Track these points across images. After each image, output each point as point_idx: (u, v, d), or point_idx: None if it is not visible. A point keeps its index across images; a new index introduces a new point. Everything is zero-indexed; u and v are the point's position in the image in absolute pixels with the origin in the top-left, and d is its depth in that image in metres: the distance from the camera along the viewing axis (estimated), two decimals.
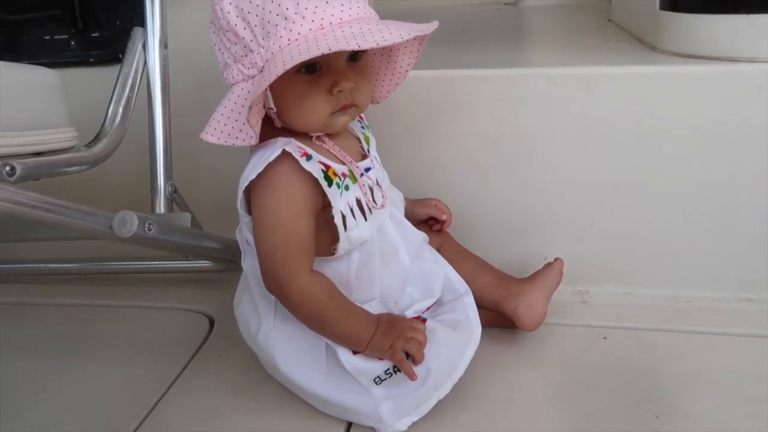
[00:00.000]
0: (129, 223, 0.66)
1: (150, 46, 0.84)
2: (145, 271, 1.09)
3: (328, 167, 0.66)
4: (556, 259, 0.87)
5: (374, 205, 0.70)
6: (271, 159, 0.63)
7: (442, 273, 0.80)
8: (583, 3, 1.78)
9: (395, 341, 0.68)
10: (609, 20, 1.38)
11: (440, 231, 0.89)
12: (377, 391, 0.69)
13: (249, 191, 0.66)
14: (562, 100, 0.89)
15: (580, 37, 1.25)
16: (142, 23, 0.87)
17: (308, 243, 0.66)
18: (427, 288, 0.77)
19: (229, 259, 0.90)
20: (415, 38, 0.70)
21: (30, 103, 0.65)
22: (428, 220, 0.89)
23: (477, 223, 0.96)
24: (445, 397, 0.70)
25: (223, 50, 0.65)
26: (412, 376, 0.67)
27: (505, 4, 2.01)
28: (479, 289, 0.83)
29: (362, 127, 0.78)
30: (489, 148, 0.93)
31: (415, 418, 0.69)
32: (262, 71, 0.61)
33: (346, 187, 0.67)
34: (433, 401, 0.69)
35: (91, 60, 1.04)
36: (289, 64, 0.55)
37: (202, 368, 0.85)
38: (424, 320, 0.74)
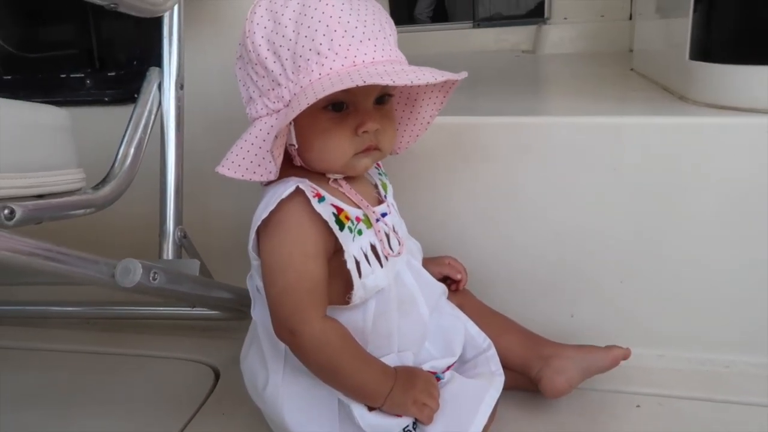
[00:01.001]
0: (132, 272, 0.62)
1: (166, 87, 0.82)
2: (149, 317, 1.05)
3: (340, 210, 0.63)
4: (618, 348, 0.78)
5: (390, 252, 0.66)
6: (284, 196, 0.61)
7: (463, 328, 0.76)
8: (602, 51, 1.77)
9: (416, 395, 0.65)
10: (631, 69, 1.35)
11: (456, 291, 0.84)
12: None
13: (260, 234, 0.63)
14: (589, 150, 0.85)
15: (603, 86, 1.23)
16: (158, 63, 0.85)
17: (321, 285, 0.62)
18: (447, 345, 0.73)
19: (238, 308, 0.86)
20: (440, 89, 0.70)
21: (34, 143, 0.62)
22: (445, 280, 0.84)
23: (498, 280, 0.91)
24: None
25: (249, 84, 0.64)
26: (430, 423, 0.65)
27: (522, 51, 2.01)
28: (504, 349, 0.79)
29: (379, 174, 0.75)
30: (511, 200, 0.89)
31: None
32: (288, 105, 0.60)
33: (359, 232, 0.64)
34: None
35: (106, 99, 1.03)
36: (321, 94, 0.54)
37: (206, 425, 0.80)
38: (438, 378, 0.70)
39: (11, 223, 0.58)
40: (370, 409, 0.65)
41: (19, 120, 0.61)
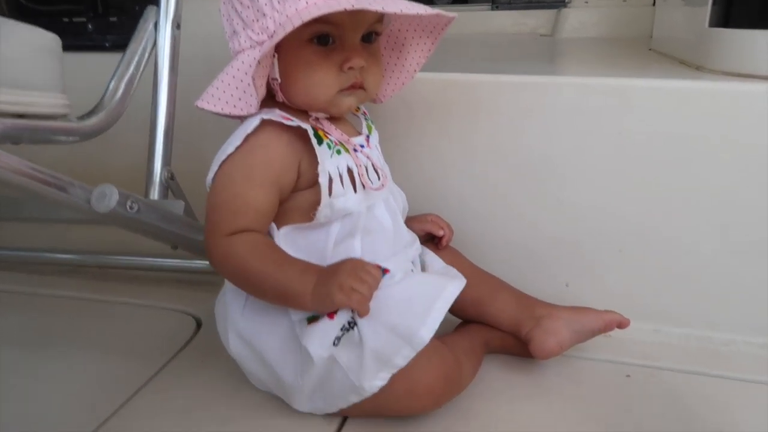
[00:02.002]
0: (108, 197, 0.61)
1: (161, 25, 0.80)
2: (139, 267, 1.04)
3: (317, 128, 0.62)
4: (614, 313, 0.76)
5: (369, 183, 0.64)
6: (249, 131, 0.59)
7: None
8: (622, 36, 1.73)
9: (341, 280, 0.57)
10: (649, 50, 1.31)
11: (439, 248, 0.81)
12: (341, 353, 0.60)
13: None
14: (594, 113, 0.82)
15: (616, 59, 1.19)
16: (158, 3, 0.83)
17: (252, 211, 0.60)
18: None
19: None
20: (429, 35, 0.69)
21: (17, 60, 0.60)
22: (430, 240, 0.82)
23: (490, 245, 0.88)
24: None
25: (233, 16, 0.62)
26: (364, 311, 0.58)
27: (540, 35, 1.97)
28: (496, 309, 0.77)
29: (366, 119, 0.74)
30: (509, 162, 0.86)
31: (394, 371, 0.59)
32: (272, 37, 0.57)
33: (338, 152, 0.62)
34: (408, 352, 0.59)
35: (107, 45, 1.01)
36: (306, 17, 0.52)
37: (182, 370, 0.79)
38: (386, 270, 0.65)
39: None
40: (310, 322, 0.62)
41: (4, 35, 0.59)
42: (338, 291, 0.56)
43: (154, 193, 0.79)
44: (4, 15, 1.13)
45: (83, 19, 1.03)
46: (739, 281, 0.81)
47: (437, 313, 0.59)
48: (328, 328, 0.60)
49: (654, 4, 1.76)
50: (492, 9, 2.10)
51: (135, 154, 0.87)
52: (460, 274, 0.71)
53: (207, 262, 0.93)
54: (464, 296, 0.74)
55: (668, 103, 0.79)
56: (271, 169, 0.60)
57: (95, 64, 1.00)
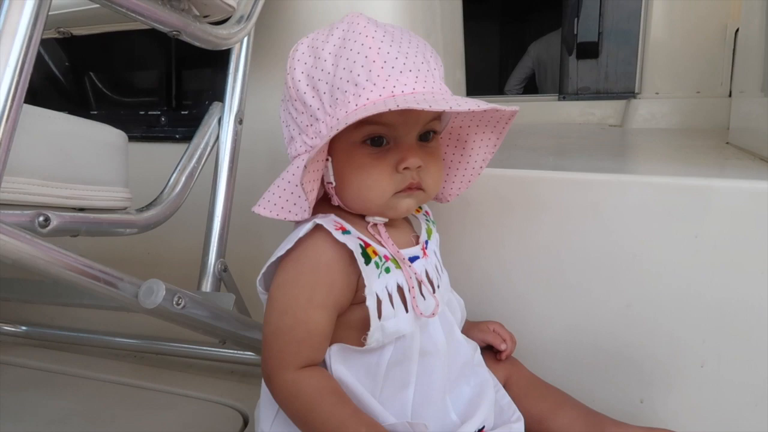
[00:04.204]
0: (155, 293, 0.60)
1: (225, 121, 0.83)
2: (193, 356, 1.04)
3: (367, 245, 0.58)
4: None
5: (420, 307, 0.59)
6: (301, 234, 0.57)
7: (493, 396, 0.67)
8: (696, 128, 1.67)
9: None
10: (726, 143, 1.25)
11: (499, 360, 0.76)
12: None
13: (276, 270, 0.60)
14: (670, 214, 0.76)
15: (690, 154, 1.13)
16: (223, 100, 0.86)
17: (316, 337, 0.57)
18: (471, 413, 0.64)
19: None
20: (492, 129, 0.67)
21: (81, 156, 0.62)
22: (489, 350, 0.77)
23: (554, 353, 0.82)
24: None
25: (290, 122, 0.62)
26: None
27: (609, 125, 1.93)
28: (560, 427, 0.70)
29: (427, 221, 0.71)
30: (577, 263, 0.81)
31: None
32: (322, 140, 0.56)
33: (387, 270, 0.59)
34: None
35: (177, 136, 1.06)
36: (352, 120, 0.51)
37: None
38: None
39: (45, 231, 0.58)
40: None
41: (69, 132, 0.62)
42: None
43: (207, 285, 0.78)
44: (91, 106, 1.22)
45: (158, 112, 1.08)
46: None
47: None
48: None
49: (730, 95, 1.71)
50: (559, 99, 2.10)
51: (191, 246, 0.88)
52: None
53: (256, 355, 0.92)
54: (523, 411, 0.68)
55: (751, 205, 0.73)
56: (336, 282, 0.58)
57: (164, 153, 1.05)
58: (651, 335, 0.78)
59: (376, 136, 0.58)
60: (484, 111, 0.57)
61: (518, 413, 0.68)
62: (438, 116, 0.62)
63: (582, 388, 0.76)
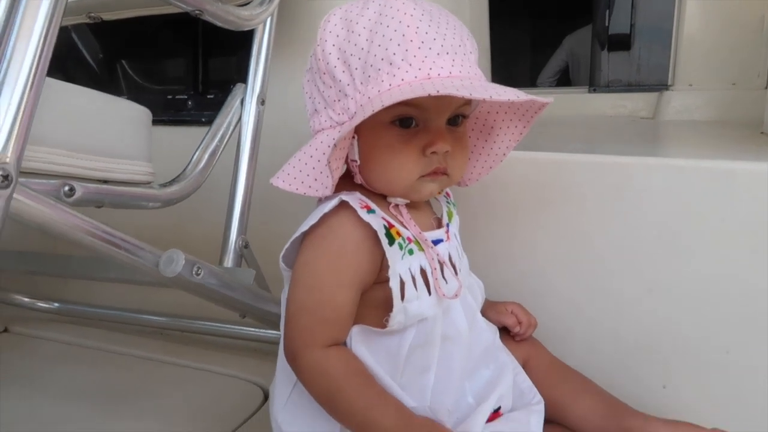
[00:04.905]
0: (175, 262, 0.61)
1: (247, 101, 0.84)
2: (215, 333, 1.06)
3: (391, 225, 0.58)
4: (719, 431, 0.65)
5: (442, 289, 0.59)
6: (327, 210, 0.56)
7: (511, 379, 0.67)
8: (730, 119, 1.62)
9: None
10: (761, 132, 1.21)
11: (516, 340, 0.75)
12: None
13: (300, 247, 0.59)
14: (696, 198, 0.74)
15: (725, 143, 1.10)
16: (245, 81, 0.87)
17: (341, 316, 0.57)
18: (488, 395, 0.64)
19: None
20: (521, 118, 0.65)
21: (107, 130, 0.64)
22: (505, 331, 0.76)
23: (575, 336, 0.81)
24: None
25: (315, 95, 0.61)
26: None
27: (641, 118, 1.90)
28: (580, 415, 0.69)
29: (448, 203, 0.70)
30: (599, 246, 0.79)
31: None
32: (352, 118, 0.55)
33: (410, 251, 0.58)
34: None
35: (203, 120, 1.08)
36: (389, 101, 0.50)
37: None
38: None
39: (70, 200, 0.60)
40: None
41: (96, 106, 0.64)
42: None
43: (228, 261, 0.80)
44: (122, 91, 1.25)
45: (184, 97, 1.11)
46: None
47: None
48: None
49: (767, 87, 1.66)
50: (590, 91, 2.06)
51: (215, 223, 0.89)
52: (535, 427, 0.64)
53: (278, 332, 0.93)
54: (542, 394, 0.68)
55: None
56: (361, 261, 0.57)
57: (189, 136, 1.07)
58: (674, 321, 0.76)
59: (406, 117, 0.57)
60: (516, 102, 0.56)
61: (539, 396, 0.67)
62: (468, 101, 0.60)
63: (603, 373, 0.75)
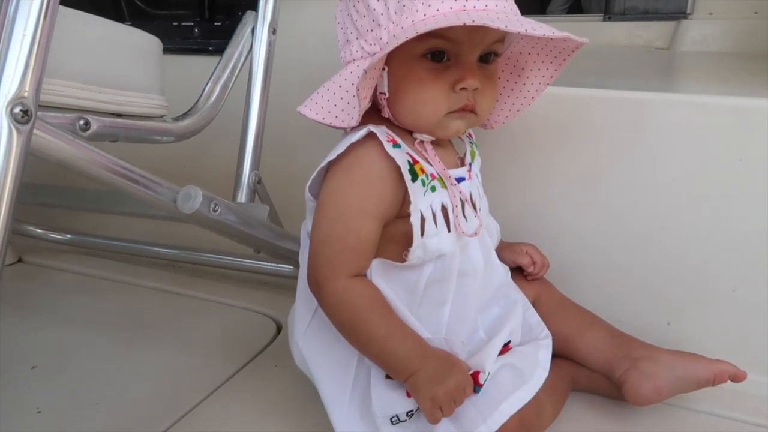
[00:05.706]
0: (193, 198, 0.61)
1: (258, 30, 0.81)
2: (228, 266, 1.07)
3: (415, 161, 0.58)
4: (727, 363, 0.67)
5: (463, 227, 0.59)
6: (354, 139, 0.56)
7: (521, 315, 0.69)
8: (750, 50, 1.57)
9: (439, 393, 0.56)
10: None
11: (528, 280, 0.76)
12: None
13: (325, 176, 0.60)
14: (714, 136, 0.74)
15: (746, 77, 1.07)
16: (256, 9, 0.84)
17: (365, 247, 0.57)
18: (496, 330, 0.66)
19: None
20: (552, 60, 0.64)
21: (119, 62, 0.62)
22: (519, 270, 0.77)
23: (586, 274, 0.82)
24: None
25: (347, 24, 0.59)
26: (434, 423, 0.57)
27: (657, 48, 1.84)
28: (588, 346, 0.71)
29: (471, 143, 0.69)
30: (614, 185, 0.79)
31: None
32: (384, 48, 0.54)
33: (433, 188, 0.58)
34: None
35: (210, 48, 1.05)
36: (422, 30, 0.49)
37: (259, 372, 0.80)
38: (476, 372, 0.61)
39: (86, 134, 0.59)
40: (388, 375, 0.59)
41: (106, 36, 0.62)
42: (429, 399, 0.56)
43: (242, 196, 0.80)
44: (124, 17, 1.21)
45: (191, 24, 1.07)
46: None
47: (500, 416, 0.58)
48: (400, 403, 0.59)
49: None
50: (604, 20, 1.99)
51: (227, 158, 0.88)
52: (545, 366, 0.65)
53: (290, 267, 0.95)
54: (551, 330, 0.70)
55: None
56: (385, 193, 0.57)
57: (197, 66, 1.04)
58: (684, 259, 0.77)
59: (438, 51, 0.55)
60: (550, 39, 0.54)
61: (546, 331, 0.69)
62: (502, 38, 0.59)
63: (609, 309, 0.77)
